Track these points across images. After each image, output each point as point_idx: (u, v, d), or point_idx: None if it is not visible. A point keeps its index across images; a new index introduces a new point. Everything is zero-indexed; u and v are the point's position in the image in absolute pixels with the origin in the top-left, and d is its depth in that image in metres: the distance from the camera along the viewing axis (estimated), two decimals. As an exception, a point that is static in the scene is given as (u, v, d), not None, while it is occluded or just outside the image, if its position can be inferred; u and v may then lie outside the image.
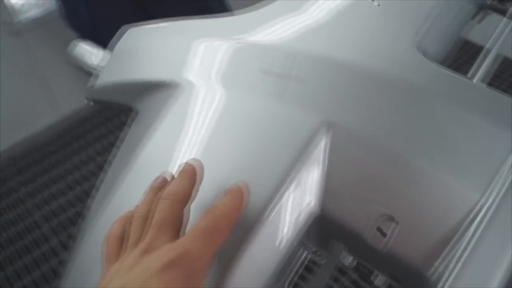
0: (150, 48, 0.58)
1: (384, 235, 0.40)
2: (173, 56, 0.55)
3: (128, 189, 0.47)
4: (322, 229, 0.44)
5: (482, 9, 0.58)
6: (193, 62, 0.53)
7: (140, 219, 0.39)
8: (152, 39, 0.60)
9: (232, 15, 0.56)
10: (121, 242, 0.39)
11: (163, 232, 0.36)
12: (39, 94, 2.02)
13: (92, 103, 0.62)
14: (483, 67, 0.49)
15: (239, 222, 0.41)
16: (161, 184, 0.42)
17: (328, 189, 0.43)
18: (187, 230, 0.38)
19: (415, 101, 0.43)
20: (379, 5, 0.52)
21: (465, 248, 0.38)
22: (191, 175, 0.40)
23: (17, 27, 1.80)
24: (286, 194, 0.42)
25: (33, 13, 1.83)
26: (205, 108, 0.49)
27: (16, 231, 1.72)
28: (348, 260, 0.46)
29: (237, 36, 0.53)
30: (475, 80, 0.47)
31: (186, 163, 0.41)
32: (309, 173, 0.43)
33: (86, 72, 0.69)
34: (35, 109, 2.05)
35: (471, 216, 0.39)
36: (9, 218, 1.81)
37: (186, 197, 0.39)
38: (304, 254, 0.47)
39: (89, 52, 0.70)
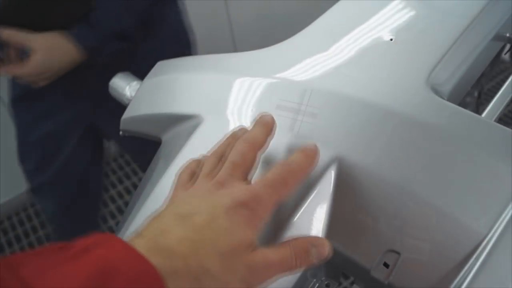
0: (175, 82, 0.62)
1: (387, 267, 0.41)
2: (197, 91, 0.58)
3: (142, 217, 0.49)
4: (330, 261, 0.45)
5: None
6: (215, 96, 0.55)
7: (216, 155, 0.43)
8: (177, 73, 0.63)
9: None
10: (192, 175, 0.43)
11: (236, 170, 0.40)
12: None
13: (121, 133, 0.66)
14: (496, 105, 0.49)
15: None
16: (242, 132, 0.45)
17: (335, 222, 0.44)
18: (255, 176, 0.43)
19: (423, 138, 0.44)
20: (391, 39, 0.53)
21: (470, 284, 0.38)
22: (269, 125, 0.44)
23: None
24: (296, 225, 0.44)
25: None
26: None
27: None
28: (358, 291, 0.46)
29: (256, 73, 0.55)
30: (484, 116, 0.47)
31: (265, 114, 0.45)
32: (318, 206, 0.44)
33: (125, 104, 0.72)
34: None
35: (478, 252, 0.39)
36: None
37: (261, 143, 0.43)
38: (316, 286, 0.48)
39: (127, 84, 0.74)
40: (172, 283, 0.32)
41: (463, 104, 0.79)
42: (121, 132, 0.67)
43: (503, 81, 0.54)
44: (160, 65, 0.67)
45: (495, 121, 0.49)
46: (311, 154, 0.41)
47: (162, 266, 0.31)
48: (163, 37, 1.11)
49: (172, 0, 1.12)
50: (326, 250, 0.39)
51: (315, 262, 0.39)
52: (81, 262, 0.29)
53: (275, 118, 0.49)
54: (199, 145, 0.52)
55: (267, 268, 0.36)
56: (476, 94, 0.85)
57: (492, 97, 0.51)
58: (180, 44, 1.17)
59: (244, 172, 0.40)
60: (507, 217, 0.39)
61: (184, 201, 0.38)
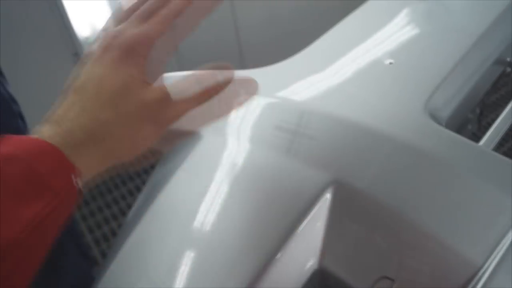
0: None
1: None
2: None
3: (143, 229, 0.49)
4: (323, 283, 0.45)
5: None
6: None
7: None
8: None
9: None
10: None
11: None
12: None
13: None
14: (495, 132, 0.48)
15: (242, 274, 0.43)
16: None
17: (330, 245, 0.44)
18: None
19: (419, 165, 0.43)
20: (391, 63, 0.52)
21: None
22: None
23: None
24: (290, 247, 0.44)
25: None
26: (221, 159, 0.51)
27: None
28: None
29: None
30: (482, 144, 0.47)
31: None
32: (313, 229, 0.44)
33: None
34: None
35: (473, 282, 0.38)
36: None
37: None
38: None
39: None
40: (72, 149, 0.30)
41: (464, 120, 0.79)
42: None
43: (508, 94, 0.54)
44: (164, 78, 0.67)
45: (495, 146, 0.48)
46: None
47: (54, 135, 0.30)
48: None
49: None
50: (231, 73, 0.37)
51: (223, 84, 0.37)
52: None
53: (273, 139, 0.49)
54: (197, 163, 0.52)
55: (162, 100, 0.35)
56: (478, 110, 0.84)
57: (496, 109, 0.51)
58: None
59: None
60: (504, 247, 0.39)
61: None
